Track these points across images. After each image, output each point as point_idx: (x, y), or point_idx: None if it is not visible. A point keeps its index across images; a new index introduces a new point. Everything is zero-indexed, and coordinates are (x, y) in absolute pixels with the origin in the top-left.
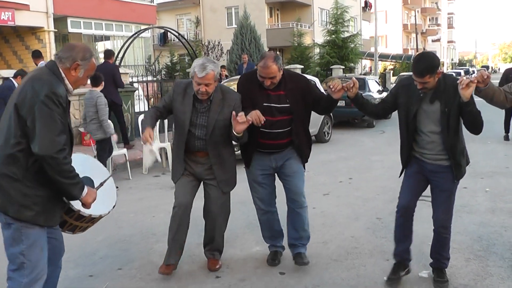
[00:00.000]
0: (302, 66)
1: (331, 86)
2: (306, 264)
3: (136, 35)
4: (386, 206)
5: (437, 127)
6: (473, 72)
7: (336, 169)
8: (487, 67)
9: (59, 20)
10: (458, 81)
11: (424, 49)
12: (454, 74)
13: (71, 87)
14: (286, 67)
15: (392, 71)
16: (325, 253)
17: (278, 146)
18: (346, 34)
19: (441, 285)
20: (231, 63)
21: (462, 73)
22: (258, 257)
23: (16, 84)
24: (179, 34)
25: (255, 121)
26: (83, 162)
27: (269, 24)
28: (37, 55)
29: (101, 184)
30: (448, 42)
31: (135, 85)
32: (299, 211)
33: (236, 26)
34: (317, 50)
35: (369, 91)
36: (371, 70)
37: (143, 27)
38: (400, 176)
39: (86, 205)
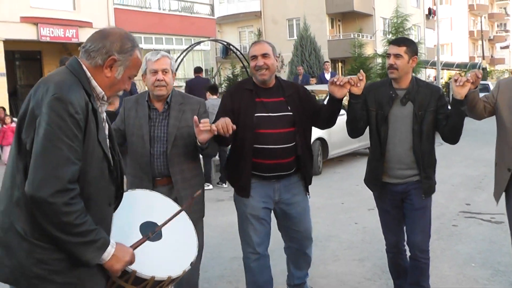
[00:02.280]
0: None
1: (335, 80)
2: None
3: (190, 48)
4: (433, 223)
5: (407, 133)
6: None
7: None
8: None
9: None
10: (454, 78)
11: (491, 56)
12: None
13: (101, 92)
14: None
15: None
16: (359, 271)
17: (282, 167)
18: None
19: None
20: (291, 74)
21: None
22: None
23: None
24: (229, 45)
25: (222, 130)
26: (147, 203)
27: (330, 35)
28: None
29: (153, 233)
30: None
31: None
32: (307, 252)
33: (296, 37)
34: (378, 60)
35: None
36: (435, 79)
37: (203, 40)
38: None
39: (113, 272)
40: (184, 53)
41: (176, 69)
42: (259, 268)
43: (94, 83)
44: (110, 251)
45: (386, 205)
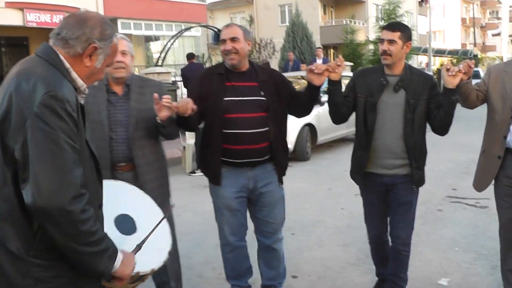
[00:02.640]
0: (352, 64)
1: (313, 68)
2: None
3: (180, 34)
4: (419, 208)
5: (399, 122)
6: None
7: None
8: None
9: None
10: (446, 67)
11: (483, 44)
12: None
13: (83, 84)
14: None
15: None
16: (344, 257)
17: (254, 153)
18: None
19: None
20: (282, 61)
21: None
22: None
23: None
24: (219, 31)
25: (181, 108)
26: (115, 194)
27: (322, 21)
28: None
29: (143, 242)
30: (510, 36)
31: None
32: (275, 247)
33: (288, 24)
34: (370, 46)
35: None
36: (427, 66)
37: (193, 26)
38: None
39: (122, 278)
40: (173, 39)
41: (165, 55)
42: (236, 259)
43: (74, 74)
44: (119, 257)
45: (371, 196)
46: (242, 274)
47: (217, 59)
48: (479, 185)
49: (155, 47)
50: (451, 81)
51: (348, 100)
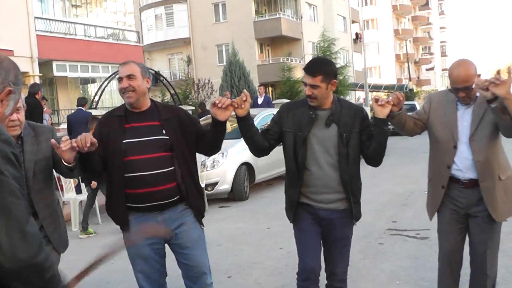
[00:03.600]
0: (289, 100)
1: (216, 102)
2: None
3: (113, 76)
4: (357, 243)
5: (333, 157)
6: None
7: None
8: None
9: (44, 64)
10: (375, 98)
11: (418, 78)
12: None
13: None
14: (275, 101)
15: None
16: None
17: (161, 195)
18: None
19: None
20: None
21: None
22: None
23: None
24: (156, 73)
25: (81, 142)
26: None
27: (259, 59)
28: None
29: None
30: (443, 70)
31: None
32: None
33: (225, 63)
34: None
35: None
36: (364, 101)
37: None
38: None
39: None
40: (107, 81)
41: (100, 97)
42: None
43: None
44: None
45: (304, 225)
46: None
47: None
48: (429, 212)
49: (93, 89)
50: (380, 111)
51: (270, 133)
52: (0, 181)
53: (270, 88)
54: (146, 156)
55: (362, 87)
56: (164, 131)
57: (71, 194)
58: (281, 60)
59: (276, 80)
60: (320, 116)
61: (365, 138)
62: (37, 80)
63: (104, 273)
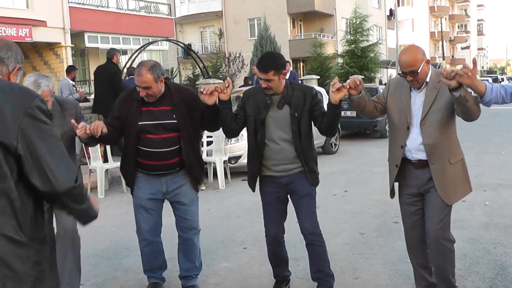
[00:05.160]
0: (319, 77)
1: (202, 90)
2: None
3: (143, 49)
4: (373, 221)
5: (287, 133)
6: (502, 80)
7: (334, 182)
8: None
9: (76, 35)
10: (332, 83)
11: (452, 57)
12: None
13: None
14: (303, 77)
15: None
16: (293, 271)
17: (166, 167)
18: (366, 44)
19: None
20: (250, 74)
21: (490, 81)
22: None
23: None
24: (187, 46)
25: (93, 131)
26: None
27: (291, 35)
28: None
29: None
30: (478, 49)
31: None
32: (193, 240)
33: (257, 37)
34: (339, 60)
35: None
36: None
37: (156, 40)
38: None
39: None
40: (136, 53)
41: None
42: (151, 253)
43: None
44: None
45: (269, 197)
46: (156, 267)
47: (186, 73)
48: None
49: (123, 61)
50: (333, 97)
51: (238, 117)
52: (44, 128)
53: (301, 64)
54: (157, 136)
55: (394, 64)
56: (174, 115)
57: (97, 163)
58: (313, 36)
59: (307, 55)
60: (275, 100)
61: (317, 114)
62: (69, 51)
63: (126, 240)
